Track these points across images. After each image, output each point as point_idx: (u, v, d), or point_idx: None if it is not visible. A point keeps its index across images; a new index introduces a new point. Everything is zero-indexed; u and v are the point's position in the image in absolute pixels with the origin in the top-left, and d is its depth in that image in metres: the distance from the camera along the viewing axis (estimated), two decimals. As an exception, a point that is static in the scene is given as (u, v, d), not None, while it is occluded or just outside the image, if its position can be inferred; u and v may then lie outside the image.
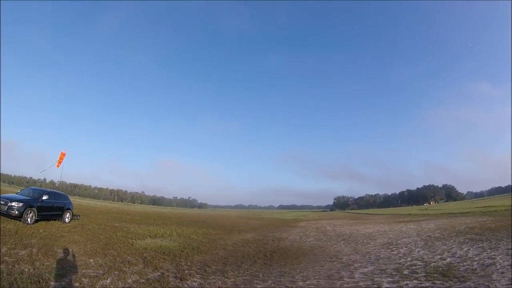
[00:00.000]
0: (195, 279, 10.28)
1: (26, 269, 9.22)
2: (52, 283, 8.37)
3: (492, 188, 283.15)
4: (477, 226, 24.76)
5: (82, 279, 9.08)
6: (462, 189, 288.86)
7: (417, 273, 11.20)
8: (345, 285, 10.06)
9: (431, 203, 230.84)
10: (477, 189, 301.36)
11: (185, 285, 9.51)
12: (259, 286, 9.87)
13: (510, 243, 15.50)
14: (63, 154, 33.11)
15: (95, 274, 9.80)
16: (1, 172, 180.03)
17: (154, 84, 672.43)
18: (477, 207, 60.62)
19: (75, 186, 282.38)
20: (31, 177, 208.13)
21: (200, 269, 11.99)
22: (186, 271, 11.35)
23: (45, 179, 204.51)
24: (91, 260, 11.78)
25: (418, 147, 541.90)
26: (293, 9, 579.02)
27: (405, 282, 10.06)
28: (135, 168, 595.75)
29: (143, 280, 9.57)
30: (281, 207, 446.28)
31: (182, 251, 15.85)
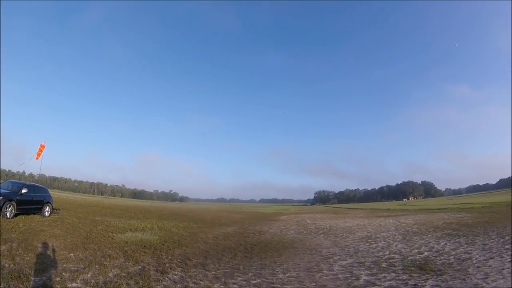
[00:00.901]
0: (176, 272, 10.38)
1: (7, 265, 9.18)
2: (33, 278, 8.34)
3: (470, 186, 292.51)
4: (455, 222, 25.32)
5: (63, 273, 9.06)
6: (440, 186, 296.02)
7: (395, 266, 11.47)
8: (324, 277, 10.28)
9: (410, 199, 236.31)
10: (455, 186, 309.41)
11: (166, 278, 9.60)
12: (239, 278, 10.02)
13: (487, 239, 15.84)
14: (42, 146, 32.69)
15: (76, 268, 9.79)
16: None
17: (136, 77, 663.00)
18: (454, 204, 62.35)
19: (54, 179, 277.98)
20: (10, 170, 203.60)
21: (181, 262, 12.09)
22: (167, 265, 11.43)
23: (24, 172, 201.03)
24: (72, 254, 11.75)
25: (397, 146, 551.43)
26: (278, 6, 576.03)
27: (383, 275, 10.31)
28: (116, 161, 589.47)
29: (124, 274, 9.61)
30: (263, 201, 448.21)
31: (163, 244, 15.88)
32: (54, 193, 35.81)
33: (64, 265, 9.98)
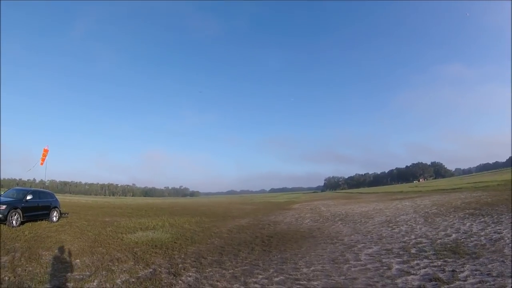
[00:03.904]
0: (190, 273, 9.49)
1: (6, 278, 8.40)
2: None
3: (480, 164, 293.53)
4: (474, 201, 24.85)
5: (66, 284, 8.25)
6: (450, 166, 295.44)
7: (426, 251, 10.78)
8: (353, 269, 9.45)
9: (421, 180, 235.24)
10: (464, 166, 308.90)
11: (180, 281, 8.71)
12: (260, 276, 9.14)
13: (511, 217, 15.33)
14: (45, 151, 32.14)
15: (81, 276, 8.95)
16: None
17: (135, 78, 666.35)
18: (468, 183, 61.36)
19: (65, 183, 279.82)
20: (21, 179, 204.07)
21: (195, 261, 11.23)
22: (180, 265, 10.56)
23: (34, 179, 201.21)
24: (78, 260, 10.96)
25: (400, 129, 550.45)
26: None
27: (416, 262, 9.59)
28: (122, 161, 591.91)
29: (133, 279, 8.75)
30: (273, 190, 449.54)
31: (175, 242, 15.10)
32: (65, 197, 35.41)
33: (69, 274, 9.16)
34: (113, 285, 8.23)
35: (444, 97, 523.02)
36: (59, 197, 29.48)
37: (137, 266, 10.32)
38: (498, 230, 12.85)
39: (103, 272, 9.41)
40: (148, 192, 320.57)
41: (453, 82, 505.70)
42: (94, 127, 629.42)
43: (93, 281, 8.49)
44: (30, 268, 9.49)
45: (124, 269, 9.95)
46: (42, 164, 31.62)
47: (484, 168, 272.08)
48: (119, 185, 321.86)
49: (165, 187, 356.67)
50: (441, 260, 9.49)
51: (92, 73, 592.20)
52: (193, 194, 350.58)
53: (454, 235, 13.01)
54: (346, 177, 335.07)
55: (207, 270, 9.90)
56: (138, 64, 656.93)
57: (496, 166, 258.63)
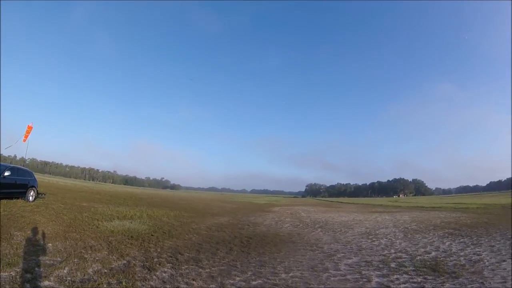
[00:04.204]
0: (166, 269, 9.16)
1: (-27, 256, 8.01)
2: (0, 274, 7.19)
3: (460, 186, 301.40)
4: (453, 221, 25.03)
5: (36, 268, 7.87)
6: (430, 185, 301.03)
7: (405, 267, 10.64)
8: (332, 278, 9.27)
9: (401, 195, 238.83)
10: (445, 186, 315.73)
11: (154, 276, 8.38)
12: (237, 278, 8.87)
13: (492, 240, 15.50)
14: (29, 127, 31.26)
15: (52, 262, 8.58)
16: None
17: (132, 67, 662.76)
18: (448, 203, 62.34)
19: (46, 163, 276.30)
20: (1, 154, 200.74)
21: (171, 256, 10.89)
22: (155, 259, 10.22)
23: (15, 156, 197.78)
24: (50, 244, 10.57)
25: (386, 143, 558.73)
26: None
27: (395, 276, 9.47)
28: (107, 147, 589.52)
29: (105, 270, 8.38)
30: (254, 191, 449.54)
31: (151, 235, 14.73)
32: (44, 177, 34.68)
33: (39, 258, 8.77)
34: (84, 275, 7.87)
35: (433, 115, 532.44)
36: (38, 177, 28.91)
37: (110, 257, 9.95)
38: (478, 252, 12.89)
39: (75, 260, 9.03)
40: (128, 181, 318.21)
41: (444, 101, 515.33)
42: (82, 110, 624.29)
43: (64, 268, 8.13)
44: (0, 248, 9.11)
45: (97, 258, 9.58)
46: (24, 141, 30.77)
47: (464, 190, 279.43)
48: (100, 171, 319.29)
49: (146, 177, 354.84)
50: (421, 276, 9.40)
51: (88, 56, 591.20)
52: (173, 187, 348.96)
53: (433, 253, 12.96)
54: (328, 185, 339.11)
55: (183, 267, 9.58)
56: (136, 53, 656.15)
57: (476, 189, 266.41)
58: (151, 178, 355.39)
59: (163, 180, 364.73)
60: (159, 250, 11.82)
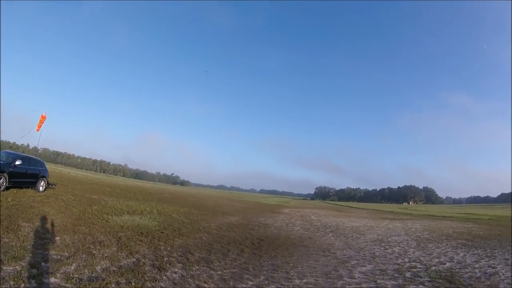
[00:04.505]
0: (176, 270, 8.81)
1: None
2: (5, 268, 6.89)
3: (471, 197, 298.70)
4: (465, 232, 24.62)
5: (42, 263, 7.59)
6: (441, 194, 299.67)
7: (421, 277, 10.29)
8: (347, 286, 8.91)
9: (411, 203, 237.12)
10: (455, 195, 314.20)
11: (164, 277, 8.03)
12: (250, 282, 8.50)
13: (506, 253, 15.14)
14: (43, 117, 31.15)
15: (59, 257, 8.29)
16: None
17: (147, 58, 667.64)
18: (458, 213, 61.33)
19: (58, 154, 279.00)
20: (14, 142, 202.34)
21: (181, 256, 10.57)
22: (165, 258, 9.90)
23: (28, 145, 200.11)
24: (58, 238, 10.32)
25: (397, 150, 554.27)
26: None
27: (411, 287, 9.14)
28: (118, 138, 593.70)
29: (114, 268, 8.07)
30: (263, 191, 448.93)
31: (162, 232, 14.45)
32: (56, 168, 34.67)
33: (46, 252, 8.49)
34: (92, 272, 7.55)
35: (448, 125, 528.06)
36: (49, 167, 28.89)
37: (120, 253, 9.66)
38: (493, 265, 12.54)
39: (83, 255, 8.75)
40: (139, 175, 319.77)
41: (459, 112, 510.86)
42: (96, 99, 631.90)
43: (71, 264, 7.83)
44: (6, 240, 8.90)
45: (106, 254, 9.29)
46: (38, 130, 30.71)
47: (475, 200, 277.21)
48: (111, 163, 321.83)
49: (156, 172, 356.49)
50: None
51: (104, 45, 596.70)
52: (183, 183, 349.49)
53: (448, 264, 12.64)
54: (337, 189, 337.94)
55: (194, 268, 9.23)
56: (151, 45, 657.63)
57: (486, 200, 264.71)
58: (161, 173, 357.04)
59: (173, 175, 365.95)
60: (169, 248, 11.52)
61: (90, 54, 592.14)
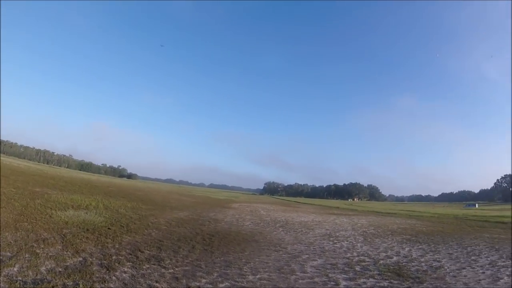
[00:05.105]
0: (126, 269, 8.55)
1: None
2: None
3: (413, 195, 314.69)
4: (409, 228, 26.03)
5: (-19, 265, 7.14)
6: (384, 191, 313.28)
7: (370, 271, 10.82)
8: (300, 281, 9.15)
9: (355, 199, 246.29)
10: (398, 193, 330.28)
11: (113, 277, 7.77)
12: (203, 280, 8.42)
13: (449, 248, 16.17)
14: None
15: (0, 257, 7.83)
16: None
17: (94, 45, 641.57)
18: (402, 210, 64.61)
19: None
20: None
21: (130, 254, 10.29)
22: (114, 257, 9.59)
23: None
24: (-2, 235, 9.75)
25: (345, 149, 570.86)
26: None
27: (362, 280, 9.57)
28: (64, 127, 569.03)
29: (60, 269, 7.70)
30: (212, 185, 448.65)
31: (109, 228, 14.04)
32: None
33: (-15, 252, 7.99)
34: (37, 274, 7.18)
35: (395, 127, 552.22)
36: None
37: (65, 252, 9.25)
38: (437, 259, 13.28)
39: (27, 255, 8.32)
40: (84, 166, 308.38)
41: (406, 115, 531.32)
42: (40, 84, 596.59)
43: (14, 266, 7.42)
44: None
45: (51, 254, 8.87)
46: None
47: (417, 199, 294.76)
48: (55, 154, 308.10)
49: (102, 164, 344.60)
50: (387, 281, 9.55)
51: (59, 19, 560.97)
52: (130, 176, 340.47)
53: (395, 258, 13.27)
54: (286, 184, 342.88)
55: (144, 267, 9.01)
56: (105, 37, 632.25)
57: (428, 199, 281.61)
58: (107, 165, 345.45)
59: (120, 168, 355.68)
60: (117, 246, 11.20)
61: (38, 30, 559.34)
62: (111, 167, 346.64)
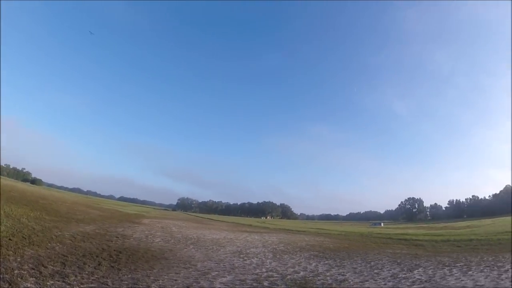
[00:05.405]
0: (29, 285, 8.28)
1: None
2: None
3: (323, 214, 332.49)
4: (317, 245, 27.03)
5: None
6: (296, 210, 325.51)
7: (277, 285, 11.40)
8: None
9: (268, 217, 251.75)
10: (309, 212, 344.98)
11: (16, 293, 7.53)
12: (109, 298, 8.39)
13: (354, 263, 17.17)
14: None
15: None
16: None
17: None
18: (311, 228, 67.35)
19: None
20: None
21: (33, 269, 9.92)
22: (16, 271, 9.21)
23: None
24: None
25: (259, 168, 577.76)
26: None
27: None
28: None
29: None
30: (122, 198, 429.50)
31: (10, 239, 13.37)
32: None
33: None
34: None
35: (306, 150, 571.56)
36: None
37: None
38: (342, 273, 14.21)
39: None
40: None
41: (316, 140, 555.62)
42: None
43: None
44: None
45: None
46: None
47: (326, 217, 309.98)
48: None
49: (5, 165, 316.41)
50: None
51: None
52: (34, 181, 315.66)
53: (302, 273, 14.00)
54: (200, 201, 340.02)
55: (48, 283, 8.78)
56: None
57: (336, 218, 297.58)
58: (11, 166, 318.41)
59: (24, 171, 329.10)
60: (19, 259, 10.74)
61: None
62: (15, 169, 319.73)
